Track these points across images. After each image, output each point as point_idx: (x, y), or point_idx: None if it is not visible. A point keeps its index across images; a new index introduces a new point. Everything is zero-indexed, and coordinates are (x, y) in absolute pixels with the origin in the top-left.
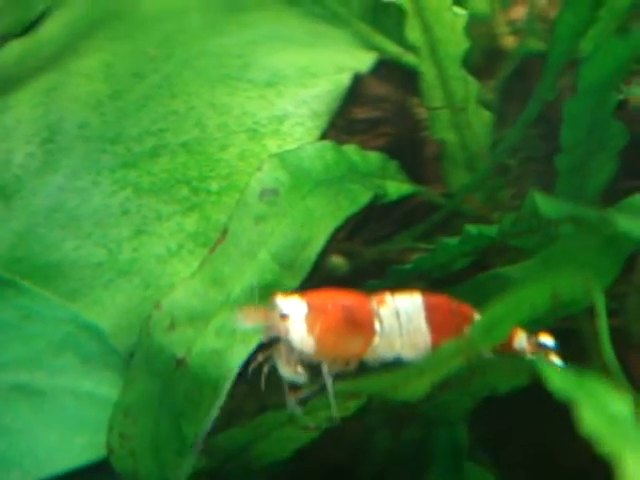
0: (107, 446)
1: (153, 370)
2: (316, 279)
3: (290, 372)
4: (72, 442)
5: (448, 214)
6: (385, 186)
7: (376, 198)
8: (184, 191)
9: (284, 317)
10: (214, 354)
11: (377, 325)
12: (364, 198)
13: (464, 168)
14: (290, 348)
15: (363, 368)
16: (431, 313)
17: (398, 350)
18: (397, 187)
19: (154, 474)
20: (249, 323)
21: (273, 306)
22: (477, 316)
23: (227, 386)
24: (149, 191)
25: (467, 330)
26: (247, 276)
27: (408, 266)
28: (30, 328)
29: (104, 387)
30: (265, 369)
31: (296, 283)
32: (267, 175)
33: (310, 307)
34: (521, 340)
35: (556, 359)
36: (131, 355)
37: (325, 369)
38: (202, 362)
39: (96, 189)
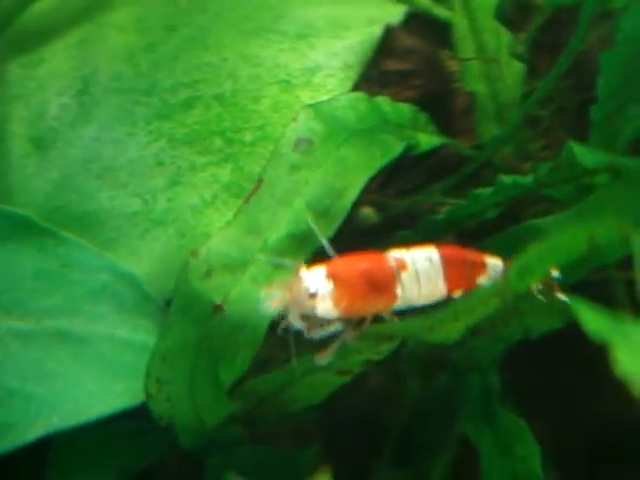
0: (145, 391)
1: (190, 316)
2: (347, 230)
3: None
4: (110, 388)
5: (479, 166)
6: (416, 137)
7: (408, 149)
8: (218, 142)
9: (312, 296)
10: (251, 300)
11: (399, 290)
12: (397, 149)
13: (495, 120)
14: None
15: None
16: (448, 268)
17: (415, 304)
18: (428, 139)
19: (190, 418)
20: (276, 305)
21: (299, 280)
22: (490, 261)
23: (264, 332)
24: (183, 142)
25: (480, 279)
26: (282, 224)
27: (440, 216)
28: (69, 276)
29: (140, 334)
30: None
31: (330, 232)
32: (301, 125)
33: (336, 281)
34: None
35: (560, 294)
36: (167, 303)
37: (346, 332)
38: (239, 308)
39: (131, 140)
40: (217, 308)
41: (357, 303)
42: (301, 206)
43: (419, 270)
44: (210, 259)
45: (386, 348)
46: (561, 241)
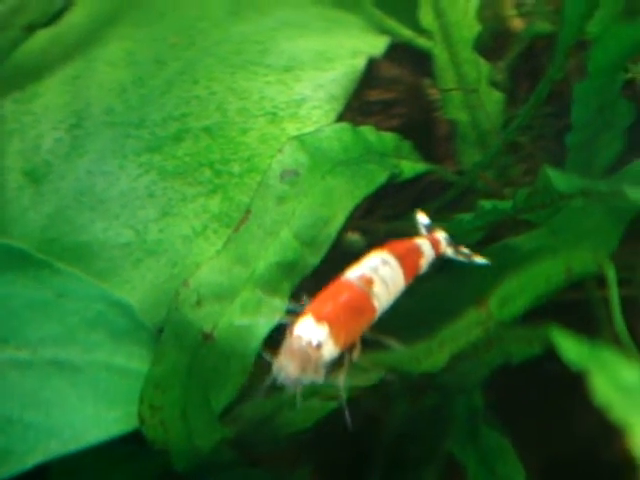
0: (139, 417)
1: (182, 344)
2: (334, 255)
3: (311, 377)
4: (106, 414)
5: (461, 191)
6: (400, 165)
7: (391, 177)
8: (207, 174)
9: (318, 346)
10: (240, 329)
11: (376, 303)
12: (381, 177)
13: (476, 146)
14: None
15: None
16: (402, 263)
17: (386, 306)
18: (411, 166)
19: (184, 442)
20: (293, 374)
21: (298, 339)
22: (422, 242)
23: (252, 359)
24: (174, 174)
25: (421, 261)
26: (270, 254)
27: None
28: (64, 306)
29: (135, 361)
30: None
31: (317, 260)
32: (288, 157)
33: (328, 323)
34: (445, 247)
35: (479, 258)
36: (160, 330)
37: (346, 361)
38: (229, 336)
39: (122, 172)
40: (207, 336)
41: (350, 333)
42: (288, 236)
43: (384, 277)
44: (200, 289)
45: (374, 377)
46: (539, 271)
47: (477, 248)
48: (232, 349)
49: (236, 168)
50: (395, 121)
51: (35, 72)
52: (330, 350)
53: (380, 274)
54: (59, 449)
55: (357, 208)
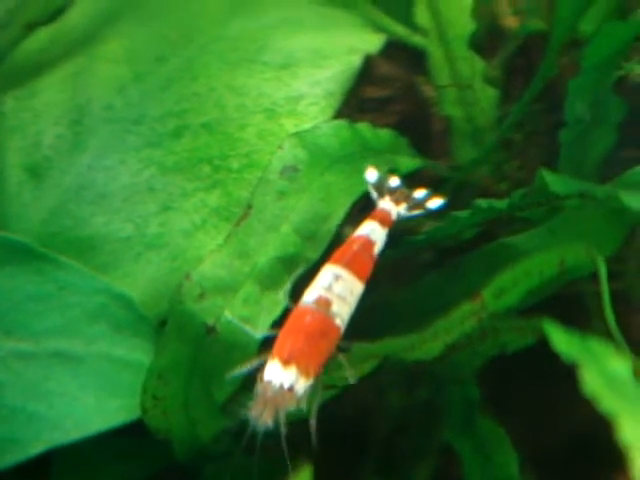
0: (141, 407)
1: (184, 336)
2: (332, 251)
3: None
4: (108, 404)
5: (456, 186)
6: (396, 161)
7: (389, 172)
8: (206, 169)
9: (290, 389)
10: (242, 321)
11: (338, 321)
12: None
13: (471, 142)
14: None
15: None
16: (353, 269)
17: (350, 314)
18: (407, 162)
19: (185, 432)
20: (269, 418)
21: (268, 387)
22: (369, 230)
23: (254, 351)
24: (173, 169)
25: (374, 250)
26: (271, 248)
27: (420, 237)
28: (66, 299)
29: (136, 353)
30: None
31: (317, 254)
32: (287, 153)
33: (295, 363)
34: (396, 216)
35: (435, 200)
36: (161, 323)
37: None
38: (231, 329)
39: (123, 167)
40: (210, 329)
41: (318, 359)
42: (288, 231)
43: (339, 293)
44: (202, 282)
45: (369, 365)
46: (533, 264)
47: (472, 245)
48: (234, 341)
49: (235, 164)
50: (391, 118)
51: (35, 69)
52: (302, 386)
53: (335, 292)
54: (62, 438)
55: (355, 203)
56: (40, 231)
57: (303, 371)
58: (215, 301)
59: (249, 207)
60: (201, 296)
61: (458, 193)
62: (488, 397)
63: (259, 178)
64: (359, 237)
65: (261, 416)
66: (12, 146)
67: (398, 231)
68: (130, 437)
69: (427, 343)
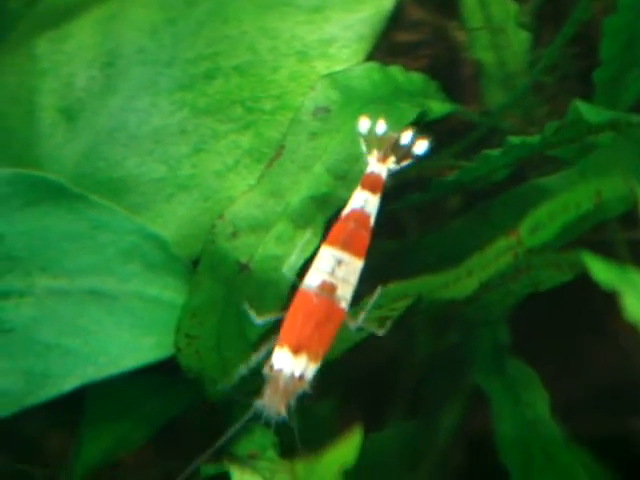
0: (175, 345)
1: (218, 275)
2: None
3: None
4: (141, 342)
5: (486, 131)
6: (428, 105)
7: (421, 116)
8: (238, 111)
9: (301, 378)
10: (275, 259)
11: (343, 304)
12: (410, 115)
13: (501, 87)
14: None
15: None
16: (352, 249)
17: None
18: (439, 106)
19: (217, 371)
20: (284, 411)
21: (280, 374)
22: (359, 205)
23: (287, 288)
24: (205, 111)
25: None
26: (303, 187)
27: (450, 178)
28: (100, 238)
29: (169, 292)
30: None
31: (349, 194)
32: (319, 94)
33: (305, 351)
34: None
35: (422, 144)
36: (193, 263)
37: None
38: (264, 267)
39: (155, 110)
40: (243, 267)
41: (325, 343)
42: (321, 170)
43: (343, 276)
44: (235, 221)
45: (402, 305)
46: (569, 198)
47: (501, 189)
48: (267, 279)
49: (267, 105)
50: (421, 62)
51: (69, 12)
52: (312, 371)
53: (339, 276)
54: (96, 374)
55: None
56: (73, 172)
57: (312, 357)
58: (248, 240)
59: (282, 147)
60: (234, 235)
61: (488, 139)
62: (516, 341)
63: (291, 119)
64: (354, 212)
65: (272, 405)
66: (45, 88)
67: (428, 175)
68: (162, 375)
69: (461, 280)
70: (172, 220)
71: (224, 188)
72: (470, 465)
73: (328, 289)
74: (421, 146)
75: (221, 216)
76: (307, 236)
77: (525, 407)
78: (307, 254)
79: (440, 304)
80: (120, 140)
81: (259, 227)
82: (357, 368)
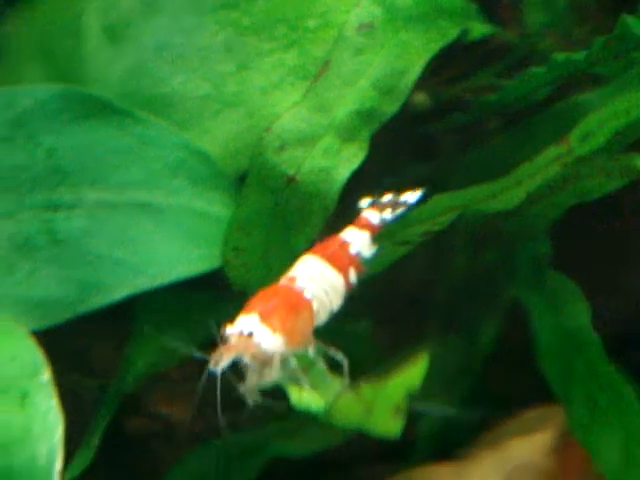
0: (223, 258)
1: (265, 187)
2: (402, 115)
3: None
4: (189, 254)
5: (525, 53)
6: (468, 25)
7: (462, 34)
8: (283, 29)
9: (249, 335)
10: (322, 172)
11: (308, 294)
12: (452, 33)
13: (541, 7)
14: (265, 359)
15: None
16: (329, 259)
17: (330, 305)
18: (479, 27)
19: (264, 283)
20: (225, 363)
21: (230, 336)
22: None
23: (334, 199)
24: (250, 30)
25: (350, 255)
26: (349, 102)
27: (492, 97)
28: (147, 153)
29: (215, 206)
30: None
31: (394, 109)
32: (363, 10)
33: (258, 312)
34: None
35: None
36: (239, 178)
37: (311, 350)
38: (311, 179)
39: (200, 29)
40: (290, 179)
41: (288, 320)
42: (366, 85)
43: (311, 274)
44: (283, 134)
45: (445, 219)
46: (619, 105)
47: (543, 106)
48: (314, 191)
49: (311, 23)
50: None
51: None
52: (267, 336)
53: (299, 271)
54: (145, 284)
55: (424, 69)
56: (119, 91)
57: (269, 324)
58: (295, 153)
59: (327, 63)
60: (281, 148)
61: (528, 61)
62: (557, 256)
63: (336, 36)
64: (338, 238)
65: (219, 362)
66: (90, 7)
67: (467, 96)
68: (207, 290)
69: (509, 190)
70: (217, 137)
71: (269, 105)
72: (507, 382)
73: (289, 280)
74: (413, 196)
75: (268, 129)
76: (353, 149)
77: (566, 318)
78: (353, 166)
79: (483, 218)
80: (165, 58)
81: (306, 140)
82: (393, 287)
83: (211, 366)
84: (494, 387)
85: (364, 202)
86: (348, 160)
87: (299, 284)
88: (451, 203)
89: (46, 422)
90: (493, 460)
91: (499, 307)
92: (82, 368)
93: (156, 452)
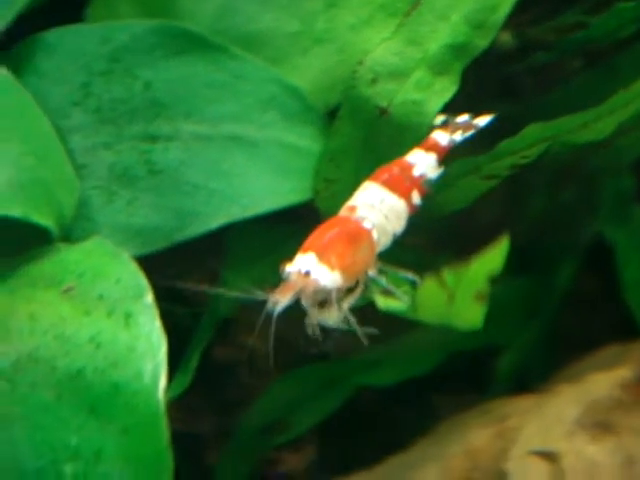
0: (313, 189)
1: (357, 120)
2: (487, 54)
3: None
4: (281, 186)
5: None
6: None
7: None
8: None
9: (307, 274)
10: (414, 104)
11: (368, 224)
12: None
13: None
14: (324, 295)
15: None
16: (389, 185)
17: (393, 230)
18: None
19: None
20: (284, 301)
21: (289, 275)
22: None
23: (425, 131)
24: None
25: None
26: (441, 36)
27: (579, 35)
28: (240, 87)
29: (306, 140)
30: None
31: (486, 42)
32: None
33: (315, 251)
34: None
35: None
36: (329, 113)
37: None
38: (403, 111)
39: None
40: (383, 111)
41: (346, 255)
42: (458, 19)
43: (369, 202)
44: (375, 67)
45: (535, 150)
46: None
47: (628, 44)
48: (406, 123)
49: None
50: None
51: None
52: (325, 274)
53: (361, 200)
54: (239, 213)
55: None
56: (211, 27)
57: (327, 263)
58: (387, 85)
59: None
60: (374, 81)
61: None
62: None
63: None
64: (401, 161)
65: (278, 301)
66: None
67: (551, 36)
68: (294, 223)
69: (601, 119)
70: (307, 72)
71: (359, 41)
72: (582, 324)
73: (348, 210)
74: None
75: (361, 62)
76: (446, 82)
77: None
78: (445, 99)
79: (570, 152)
80: None
81: (398, 73)
82: (472, 222)
83: (270, 305)
84: (572, 325)
85: (438, 119)
86: (440, 93)
87: (359, 213)
88: (543, 133)
89: (150, 341)
90: (572, 393)
91: (579, 245)
92: (175, 296)
93: (243, 381)
